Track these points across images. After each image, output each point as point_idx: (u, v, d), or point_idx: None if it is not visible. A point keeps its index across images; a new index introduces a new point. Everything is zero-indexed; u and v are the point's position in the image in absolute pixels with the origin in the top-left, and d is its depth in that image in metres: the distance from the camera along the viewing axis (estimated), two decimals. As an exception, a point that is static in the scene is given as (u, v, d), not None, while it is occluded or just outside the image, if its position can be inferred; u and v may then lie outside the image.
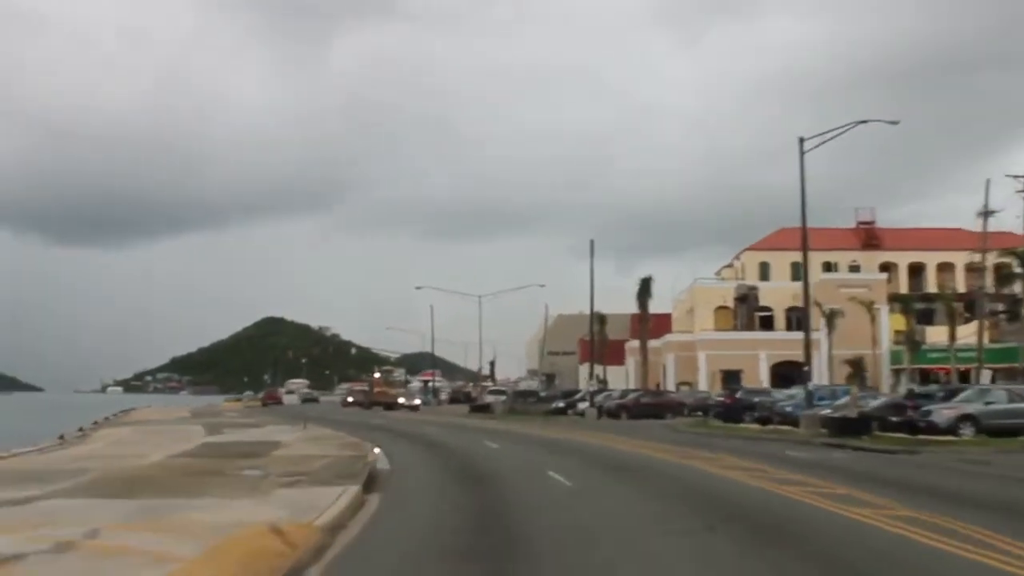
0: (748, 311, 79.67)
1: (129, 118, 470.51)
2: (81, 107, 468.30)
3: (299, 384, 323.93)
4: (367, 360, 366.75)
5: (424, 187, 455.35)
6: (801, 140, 34.89)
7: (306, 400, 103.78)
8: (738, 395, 45.69)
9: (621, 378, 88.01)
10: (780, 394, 44.70)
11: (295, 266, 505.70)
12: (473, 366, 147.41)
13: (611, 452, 26.29)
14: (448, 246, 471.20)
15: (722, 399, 45.85)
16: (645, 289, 74.81)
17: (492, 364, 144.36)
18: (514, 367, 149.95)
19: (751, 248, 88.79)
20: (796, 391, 41.99)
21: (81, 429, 38.51)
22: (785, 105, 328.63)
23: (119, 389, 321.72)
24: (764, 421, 40.04)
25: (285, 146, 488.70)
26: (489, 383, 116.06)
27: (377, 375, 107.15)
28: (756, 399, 43.98)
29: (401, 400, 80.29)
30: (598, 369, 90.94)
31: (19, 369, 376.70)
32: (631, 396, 56.99)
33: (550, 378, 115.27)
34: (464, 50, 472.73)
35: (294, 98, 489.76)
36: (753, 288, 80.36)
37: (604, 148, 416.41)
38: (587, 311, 70.41)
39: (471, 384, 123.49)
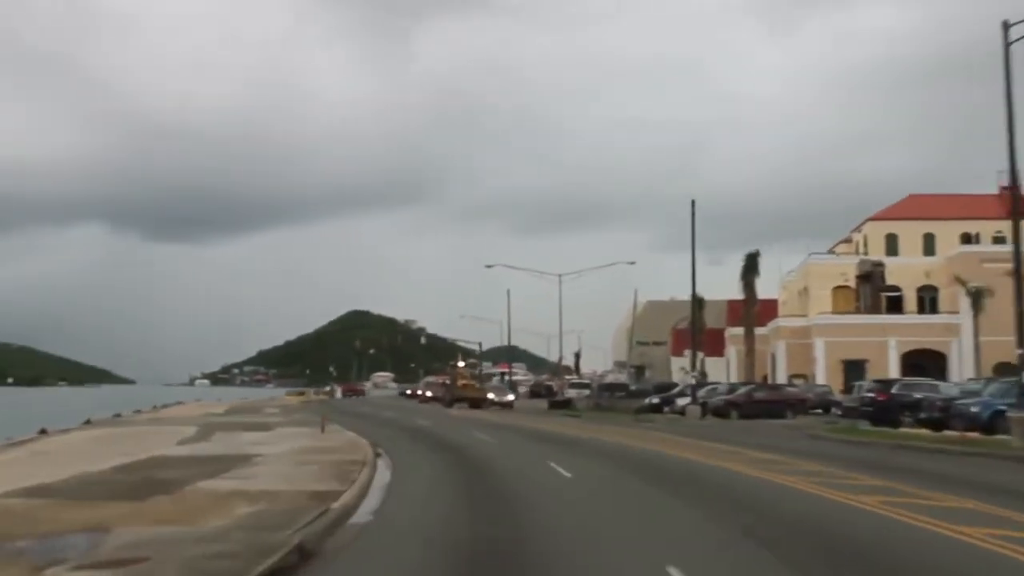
0: (873, 291, 67.87)
1: (222, 115, 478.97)
2: (176, 105, 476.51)
3: (384, 377, 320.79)
4: (452, 353, 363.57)
5: (514, 180, 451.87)
6: (1006, 25, 24.17)
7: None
8: (894, 390, 34.84)
9: (720, 370, 77.63)
10: (952, 388, 33.89)
11: (382, 260, 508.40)
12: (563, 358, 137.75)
13: (750, 488, 15.71)
14: (536, 240, 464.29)
15: (873, 394, 34.98)
16: (752, 266, 63.96)
17: (577, 356, 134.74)
18: (599, 361, 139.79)
19: (874, 218, 76.43)
20: (977, 385, 31.24)
21: (44, 431, 30.63)
22: (877, 93, 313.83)
23: (206, 382, 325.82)
24: (936, 425, 29.46)
25: (375, 141, 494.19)
26: (572, 376, 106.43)
27: (461, 364, 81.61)
28: (918, 395, 33.21)
29: (491, 396, 64.76)
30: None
31: (114, 362, 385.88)
32: (742, 391, 46.47)
33: (639, 370, 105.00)
34: (555, 42, 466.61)
35: (384, 93, 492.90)
36: (879, 264, 68.46)
37: (696, 139, 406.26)
38: (679, 298, 60.99)
39: (552, 377, 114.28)
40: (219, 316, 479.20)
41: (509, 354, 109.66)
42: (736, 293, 66.31)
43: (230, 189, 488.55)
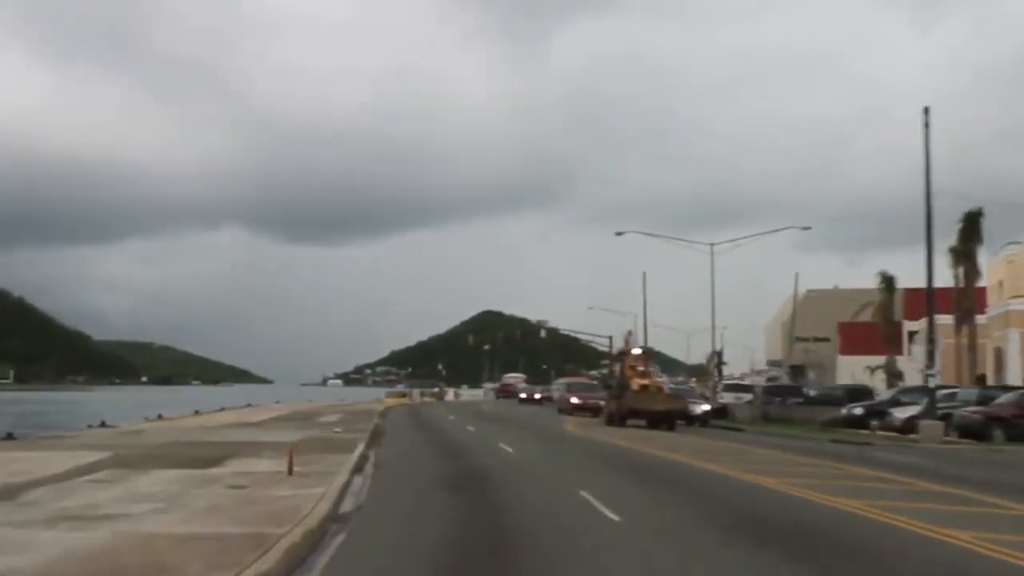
0: None
1: (359, 119, 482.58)
2: (312, 110, 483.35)
3: (516, 378, 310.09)
4: (584, 354, 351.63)
5: (649, 181, 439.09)
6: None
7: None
8: None
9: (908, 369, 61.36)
10: None
11: (516, 261, 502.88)
12: (698, 359, 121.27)
13: None
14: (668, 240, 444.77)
15: None
16: (971, 228, 47.60)
17: (719, 355, 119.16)
18: (741, 362, 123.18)
19: None
20: None
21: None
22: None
23: (339, 382, 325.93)
24: None
25: (509, 142, 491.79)
26: (719, 379, 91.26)
27: (636, 351, 45.20)
28: None
29: (704, 406, 43.46)
30: (879, 360, 64.81)
31: (252, 363, 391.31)
32: (1005, 399, 30.47)
33: (797, 371, 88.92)
34: (692, 38, 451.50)
35: (519, 94, 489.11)
36: None
37: (838, 134, 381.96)
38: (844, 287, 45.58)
39: (692, 380, 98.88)
40: (353, 317, 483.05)
41: (636, 344, 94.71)
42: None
43: (366, 191, 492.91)
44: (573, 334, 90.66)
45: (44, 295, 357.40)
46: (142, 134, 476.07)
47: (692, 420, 39.96)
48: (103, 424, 28.20)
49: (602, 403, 45.41)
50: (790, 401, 44.36)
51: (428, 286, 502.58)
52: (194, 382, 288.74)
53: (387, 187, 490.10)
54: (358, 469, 16.21)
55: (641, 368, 41.89)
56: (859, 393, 42.50)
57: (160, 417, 35.20)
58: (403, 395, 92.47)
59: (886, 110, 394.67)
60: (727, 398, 49.75)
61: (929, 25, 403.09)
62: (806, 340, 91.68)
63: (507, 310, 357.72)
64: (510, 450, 21.81)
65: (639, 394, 38.10)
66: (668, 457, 20.30)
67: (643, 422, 36.24)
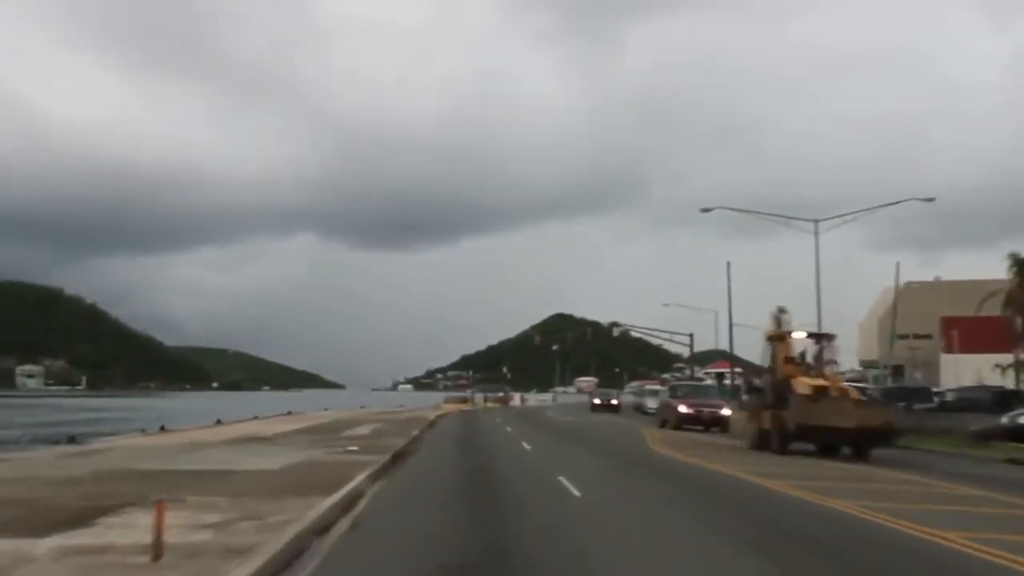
0: None
1: (430, 123, 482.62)
2: (384, 115, 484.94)
3: (588, 382, 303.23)
4: (657, 357, 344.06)
5: (720, 179, 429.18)
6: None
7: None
8: None
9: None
10: None
11: (588, 264, 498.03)
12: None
13: None
14: (746, 241, 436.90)
15: None
16: None
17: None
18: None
19: None
20: None
21: None
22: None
23: (409, 387, 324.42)
24: None
25: (581, 144, 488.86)
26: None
27: (798, 334, 28.57)
28: None
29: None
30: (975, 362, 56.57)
31: (324, 368, 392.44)
32: None
33: (896, 371, 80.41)
34: (763, 35, 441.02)
35: (591, 95, 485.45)
36: None
37: (912, 131, 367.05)
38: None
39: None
40: (425, 322, 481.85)
41: (717, 352, 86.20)
42: None
43: (439, 195, 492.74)
44: (648, 333, 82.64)
45: (122, 303, 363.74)
46: (217, 143, 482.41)
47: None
48: (71, 440, 22.38)
49: (723, 412, 37.25)
50: (917, 406, 36.69)
51: (499, 290, 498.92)
52: (265, 388, 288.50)
53: (460, 190, 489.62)
54: (320, 531, 9.75)
55: (808, 362, 29.43)
56: (1007, 398, 34.76)
57: (163, 429, 29.40)
58: (463, 400, 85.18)
59: (961, 107, 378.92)
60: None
61: (1006, 20, 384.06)
62: (905, 337, 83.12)
63: (578, 313, 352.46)
64: (577, 493, 13.99)
65: (813, 402, 23.88)
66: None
67: (812, 445, 24.54)
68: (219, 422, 36.53)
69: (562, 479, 15.53)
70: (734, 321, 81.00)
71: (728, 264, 65.08)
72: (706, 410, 37.65)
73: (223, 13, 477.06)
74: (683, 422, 37.21)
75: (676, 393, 42.06)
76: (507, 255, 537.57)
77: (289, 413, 47.37)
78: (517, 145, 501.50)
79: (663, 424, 39.08)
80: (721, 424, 36.94)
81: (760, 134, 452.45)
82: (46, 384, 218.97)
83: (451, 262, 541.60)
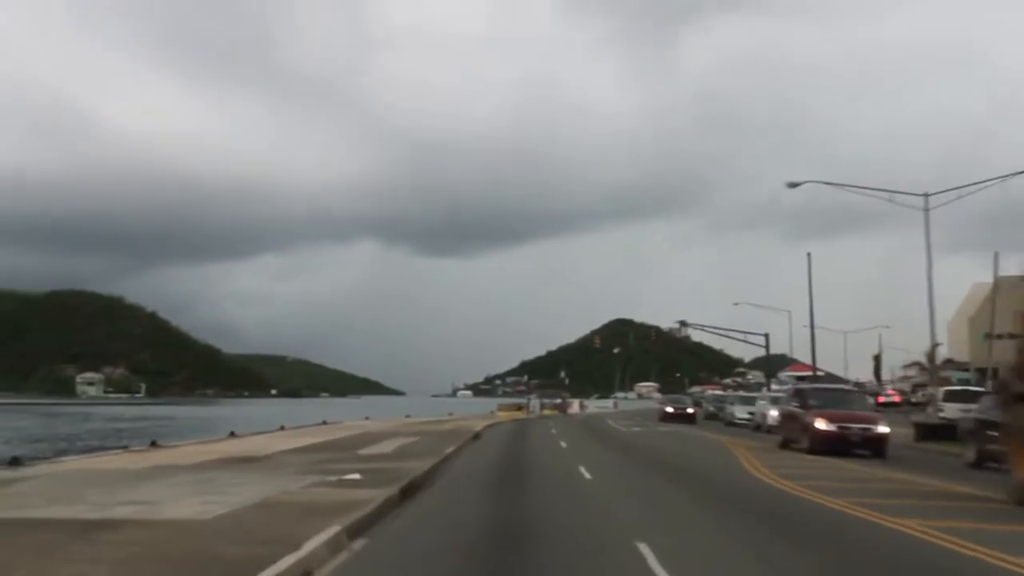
0: None
1: (489, 130, 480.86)
2: (444, 123, 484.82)
3: (649, 388, 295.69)
4: (719, 363, 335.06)
5: (782, 182, 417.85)
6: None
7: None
8: None
9: None
10: None
11: (648, 269, 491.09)
12: (858, 373, 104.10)
13: None
14: (810, 244, 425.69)
15: None
16: None
17: (877, 359, 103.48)
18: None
19: None
20: None
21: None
22: None
23: (468, 393, 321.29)
24: None
25: (641, 149, 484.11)
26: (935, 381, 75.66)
27: None
28: None
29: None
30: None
31: (384, 374, 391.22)
32: None
33: (983, 374, 73.00)
34: (823, 35, 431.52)
35: (650, 99, 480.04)
36: None
37: (977, 131, 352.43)
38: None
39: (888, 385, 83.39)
40: (485, 328, 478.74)
41: (775, 358, 79.12)
42: None
43: (499, 202, 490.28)
44: (722, 333, 75.90)
45: (184, 311, 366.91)
46: (278, 151, 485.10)
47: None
48: (13, 461, 17.89)
49: (879, 430, 26.23)
50: None
51: (559, 296, 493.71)
52: (323, 394, 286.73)
53: (519, 196, 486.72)
54: None
55: None
56: None
57: (153, 444, 24.70)
58: (518, 408, 78.04)
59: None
60: (949, 411, 35.84)
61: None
62: (1000, 337, 75.62)
63: (638, 318, 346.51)
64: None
65: None
66: None
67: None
68: (232, 434, 31.84)
69: (643, 549, 9.31)
70: (805, 323, 74.29)
71: (808, 256, 58.92)
72: (855, 427, 26.48)
73: (283, 23, 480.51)
74: (822, 444, 26.03)
75: (806, 400, 29.09)
76: (567, 261, 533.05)
77: (324, 423, 42.34)
78: (576, 150, 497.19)
79: (784, 445, 29.22)
80: (877, 446, 25.99)
81: (822, 135, 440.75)
82: (105, 392, 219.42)
83: (511, 268, 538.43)
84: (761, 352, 77.60)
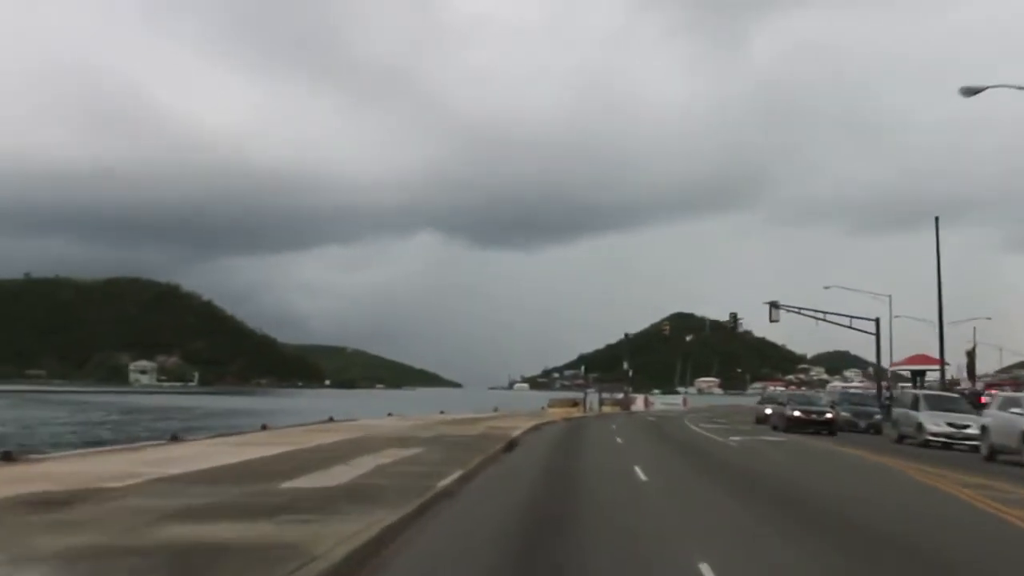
0: None
1: (552, 122, 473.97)
2: (507, 114, 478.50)
3: (709, 383, 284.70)
4: (779, 358, 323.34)
5: (846, 177, 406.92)
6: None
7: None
8: None
9: None
10: None
11: (710, 262, 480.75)
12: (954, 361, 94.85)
13: None
14: (873, 240, 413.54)
15: None
16: None
17: (971, 354, 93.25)
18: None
19: None
20: None
21: None
22: None
23: (525, 386, 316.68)
24: None
25: (703, 142, 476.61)
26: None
27: None
28: None
29: None
30: None
31: (442, 366, 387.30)
32: None
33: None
34: (891, 31, 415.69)
35: (712, 92, 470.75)
36: None
37: None
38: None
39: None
40: (544, 321, 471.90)
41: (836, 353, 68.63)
42: None
43: (561, 195, 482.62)
44: (822, 317, 63.80)
45: (247, 301, 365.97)
46: (343, 143, 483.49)
47: None
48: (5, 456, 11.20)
49: None
50: None
51: (621, 289, 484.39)
52: (378, 386, 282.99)
53: (581, 189, 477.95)
54: None
55: None
56: None
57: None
58: (573, 404, 69.26)
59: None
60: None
61: None
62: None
63: (699, 311, 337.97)
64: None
65: None
66: None
67: None
68: (265, 427, 24.81)
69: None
70: (903, 314, 64.44)
71: (936, 231, 50.01)
72: None
73: (348, 13, 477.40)
74: None
75: None
76: (628, 254, 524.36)
77: (331, 419, 34.34)
78: (639, 143, 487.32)
79: None
80: None
81: (886, 129, 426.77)
82: (159, 380, 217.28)
83: (571, 261, 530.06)
84: (826, 348, 68.70)
